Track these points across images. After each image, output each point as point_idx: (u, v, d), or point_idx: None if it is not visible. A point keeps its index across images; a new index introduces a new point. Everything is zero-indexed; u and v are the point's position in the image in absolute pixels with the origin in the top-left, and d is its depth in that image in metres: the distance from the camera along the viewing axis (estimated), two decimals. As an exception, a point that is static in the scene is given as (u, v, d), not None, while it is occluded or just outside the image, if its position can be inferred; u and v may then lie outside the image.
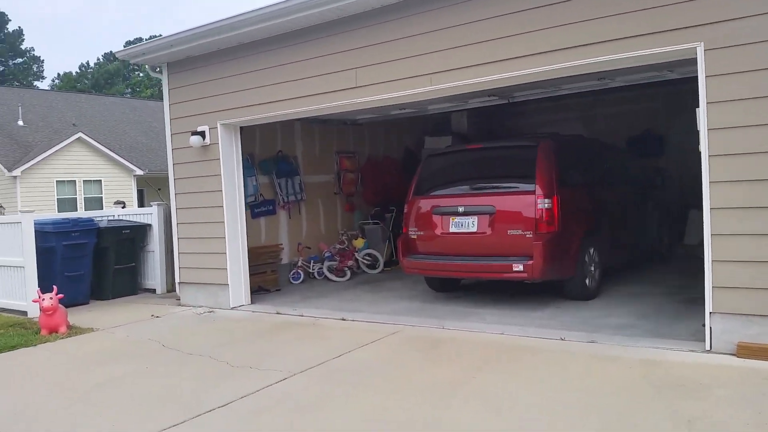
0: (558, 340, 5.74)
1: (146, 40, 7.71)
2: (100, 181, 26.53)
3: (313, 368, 5.34)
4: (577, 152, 8.06)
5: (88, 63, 63.98)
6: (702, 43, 5.07)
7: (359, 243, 10.92)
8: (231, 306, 8.41)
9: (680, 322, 6.11)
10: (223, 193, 8.31)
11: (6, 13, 59.14)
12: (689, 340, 5.43)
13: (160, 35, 8.08)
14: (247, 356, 5.87)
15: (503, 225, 7.07)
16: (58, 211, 22.78)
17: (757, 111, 4.86)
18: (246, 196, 9.42)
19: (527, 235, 6.89)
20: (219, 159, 8.31)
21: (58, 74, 59.75)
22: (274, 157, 10.31)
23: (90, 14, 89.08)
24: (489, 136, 12.82)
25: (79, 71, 62.50)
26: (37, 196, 24.27)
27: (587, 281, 7.40)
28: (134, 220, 10.62)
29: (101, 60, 62.83)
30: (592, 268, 7.52)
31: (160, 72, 8.93)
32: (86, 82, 60.30)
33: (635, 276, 8.73)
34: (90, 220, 9.85)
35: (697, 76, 7.59)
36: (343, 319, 7.19)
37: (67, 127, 27.40)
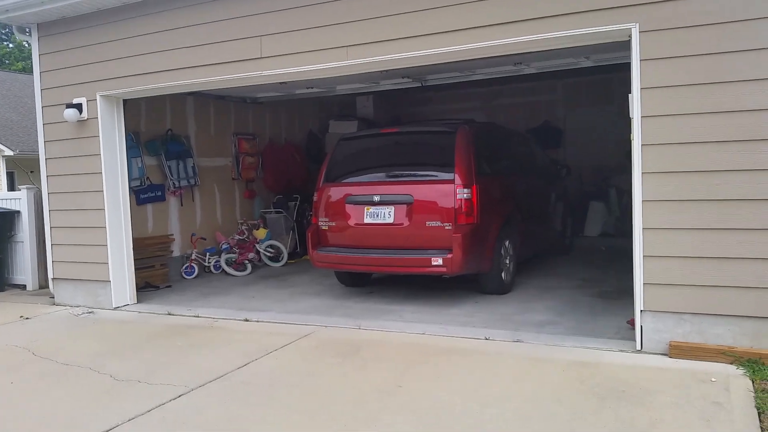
0: (483, 339, 5.36)
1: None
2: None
3: (214, 381, 4.61)
4: (492, 140, 7.75)
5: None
6: (637, 24, 4.80)
7: (261, 233, 10.12)
8: (114, 305, 7.41)
9: (600, 318, 5.93)
10: (104, 175, 7.27)
11: None
12: (616, 339, 5.23)
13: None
14: (135, 367, 5.03)
15: (421, 216, 6.62)
16: None
17: (695, 98, 4.65)
18: (130, 180, 8.38)
19: (446, 227, 6.48)
20: (98, 136, 7.24)
21: None
22: (163, 137, 9.26)
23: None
24: (394, 121, 12.49)
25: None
26: None
27: (503, 275, 7.12)
28: (0, 206, 9.23)
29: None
30: (507, 262, 7.25)
31: (30, 34, 7.67)
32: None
33: (543, 268, 8.61)
34: (-59, 206, 8.42)
35: (610, 64, 7.63)
36: (247, 320, 6.46)
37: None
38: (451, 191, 6.50)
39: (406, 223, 6.68)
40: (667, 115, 4.77)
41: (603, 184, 11.90)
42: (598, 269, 8.56)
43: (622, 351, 4.93)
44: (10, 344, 5.98)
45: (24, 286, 9.14)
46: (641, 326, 4.94)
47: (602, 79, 11.95)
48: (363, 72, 6.22)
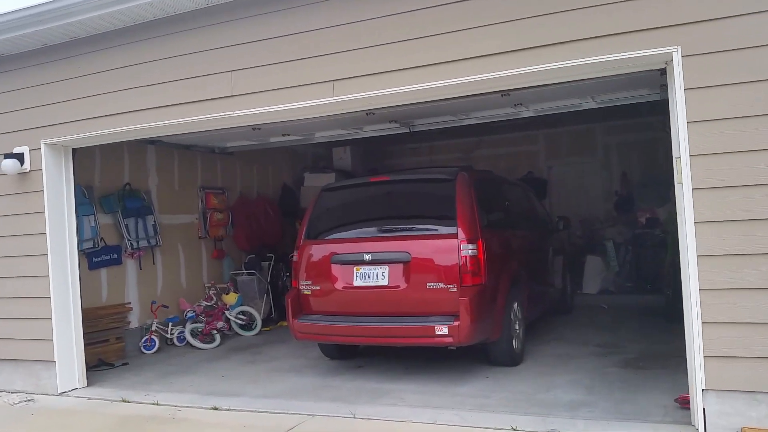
0: (511, 430, 4.38)
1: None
2: None
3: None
4: (492, 189, 6.97)
5: None
6: (679, 48, 4.09)
7: (231, 298, 9.03)
8: (59, 391, 6.23)
9: (639, 395, 5.04)
10: (48, 236, 6.21)
11: None
12: (669, 423, 4.37)
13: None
14: (70, 484, 3.91)
15: (421, 276, 5.70)
16: None
17: (756, 132, 3.91)
18: (81, 241, 7.31)
19: (450, 289, 5.56)
20: (43, 191, 6.22)
21: None
22: (119, 192, 8.22)
23: None
24: (372, 174, 11.75)
25: None
26: None
27: (514, 343, 6.20)
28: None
29: None
30: (517, 327, 6.34)
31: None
32: None
33: (549, 332, 7.72)
34: None
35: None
36: (216, 408, 5.36)
37: None
38: (454, 247, 5.62)
39: (403, 285, 5.75)
40: (720, 153, 4.02)
41: (597, 237, 11.22)
42: (609, 332, 7.71)
43: (684, 441, 4.02)
44: None
45: (-46, 367, 7.86)
46: (704, 409, 4.04)
47: (585, 129, 11.57)
48: (351, 111, 5.41)
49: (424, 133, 9.33)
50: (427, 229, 5.93)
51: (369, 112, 6.54)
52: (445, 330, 5.43)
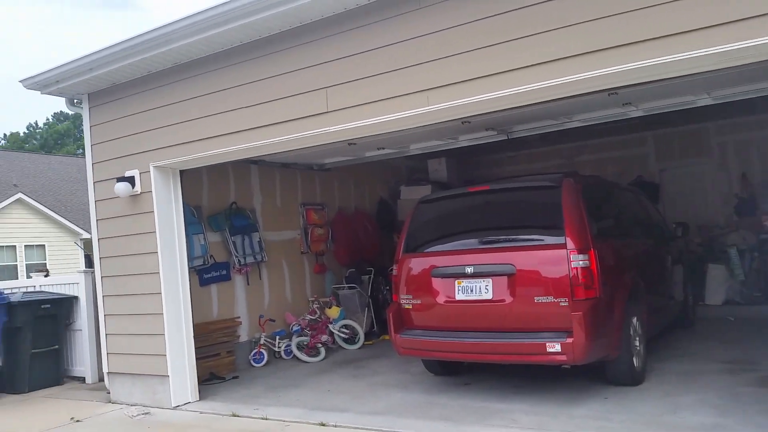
0: (636, 457, 4.01)
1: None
2: (44, 246, 24.16)
3: None
4: (602, 195, 6.55)
5: (36, 123, 61.27)
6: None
7: (334, 312, 9.08)
8: (173, 404, 6.46)
9: (783, 417, 4.48)
10: (159, 255, 6.48)
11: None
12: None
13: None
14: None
15: (527, 289, 5.41)
16: (-3, 280, 20.34)
17: None
18: (192, 259, 7.62)
19: (561, 303, 5.23)
20: (153, 212, 6.51)
21: (5, 134, 56.79)
22: (226, 210, 8.50)
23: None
24: (470, 184, 11.47)
25: (27, 131, 59.73)
26: (-27, 264, 21.81)
27: (635, 360, 5.74)
28: (57, 292, 8.64)
29: (51, 120, 60.31)
30: (637, 343, 5.87)
31: (81, 105, 7.17)
32: (35, 142, 57.50)
33: (670, 348, 7.14)
34: (-3, 293, 7.86)
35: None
36: (323, 425, 5.33)
37: (8, 188, 25.04)
38: (563, 258, 5.28)
39: (509, 299, 5.48)
40: None
41: (718, 244, 10.34)
42: (738, 347, 7.03)
43: None
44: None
45: (83, 379, 8.40)
46: None
47: (698, 128, 10.76)
48: (447, 119, 5.22)
49: (522, 140, 9.03)
50: (532, 240, 5.63)
51: (464, 121, 6.35)
52: (557, 347, 5.10)
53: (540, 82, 4.40)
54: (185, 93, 6.26)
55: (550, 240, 5.49)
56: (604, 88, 4.65)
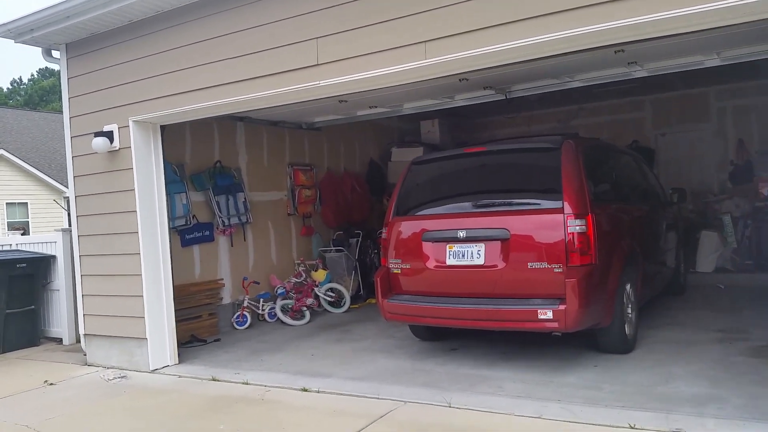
0: (628, 428, 3.87)
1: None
2: (27, 203, 23.73)
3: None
4: (601, 159, 6.33)
5: (20, 79, 59.90)
6: None
7: (320, 275, 8.88)
8: (151, 368, 6.27)
9: (777, 389, 4.36)
10: (138, 214, 6.21)
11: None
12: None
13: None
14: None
15: (521, 255, 5.21)
16: (-25, 238, 19.96)
17: None
18: (174, 219, 7.37)
19: (556, 270, 5.04)
20: (132, 168, 6.21)
21: (-13, 90, 55.58)
22: (210, 169, 8.19)
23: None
24: (463, 146, 11.21)
25: (10, 87, 58.40)
26: (-51, 220, 21.40)
27: (626, 328, 5.60)
28: (35, 251, 8.36)
29: (36, 76, 58.96)
30: (630, 311, 5.73)
31: (59, 59, 6.78)
32: (19, 98, 56.28)
33: (661, 315, 7.03)
34: (-30, 252, 7.57)
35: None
36: (305, 390, 5.16)
37: (-11, 144, 24.47)
38: (559, 223, 5.08)
39: (501, 264, 5.29)
40: None
41: (712, 211, 10.21)
42: (730, 315, 6.94)
43: None
44: (19, 422, 4.88)
45: (60, 340, 8.20)
46: None
47: (697, 93, 10.52)
48: (445, 74, 4.91)
49: (517, 102, 8.75)
50: (527, 204, 5.40)
51: (463, 78, 6.08)
52: (549, 314, 4.93)
53: (548, 35, 4.08)
54: (167, 43, 5.91)
55: (547, 204, 5.28)
56: (614, 42, 4.36)
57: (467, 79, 6.27)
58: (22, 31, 6.34)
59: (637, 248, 6.04)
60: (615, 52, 5.25)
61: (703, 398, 4.36)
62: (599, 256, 5.14)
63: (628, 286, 5.70)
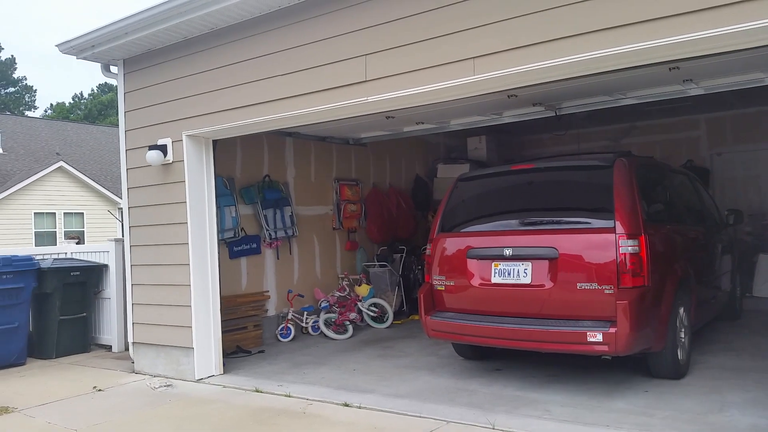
0: (682, 459, 3.71)
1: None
2: (83, 213, 24.62)
3: None
4: (655, 178, 6.16)
5: (81, 94, 62.35)
6: None
7: (363, 290, 8.88)
8: (197, 377, 6.36)
9: None
10: (189, 226, 6.34)
11: (-3, 41, 57.77)
12: None
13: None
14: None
15: (570, 275, 5.09)
16: (36, 246, 20.75)
17: None
18: (223, 231, 7.50)
19: (606, 291, 4.90)
20: (184, 181, 6.35)
21: (51, 105, 57.95)
22: (259, 183, 8.34)
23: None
24: (510, 163, 11.08)
25: (72, 102, 60.88)
26: (12, 228, 22.36)
27: (679, 353, 5.40)
28: (88, 260, 8.63)
29: (95, 91, 61.33)
30: (683, 335, 5.53)
31: (117, 74, 7.03)
32: (79, 112, 58.59)
33: (714, 340, 6.77)
34: (28, 259, 7.86)
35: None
36: (347, 405, 5.14)
37: (50, 156, 25.49)
38: (611, 242, 4.94)
39: (549, 284, 5.18)
40: None
41: (768, 233, 9.83)
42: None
43: None
44: (68, 426, 5.01)
45: (110, 347, 8.40)
46: None
47: (755, 112, 10.17)
48: (492, 91, 4.88)
49: (567, 120, 8.62)
50: (577, 222, 5.29)
51: (511, 94, 6.02)
52: (599, 337, 4.79)
53: (600, 50, 4.02)
54: (221, 60, 6.05)
55: (597, 223, 5.15)
56: (667, 59, 4.25)
57: (516, 96, 6.21)
58: (83, 48, 6.61)
59: (690, 271, 5.83)
60: (669, 69, 5.12)
61: (762, 429, 4.15)
62: (652, 278, 4.98)
63: (681, 310, 5.50)
